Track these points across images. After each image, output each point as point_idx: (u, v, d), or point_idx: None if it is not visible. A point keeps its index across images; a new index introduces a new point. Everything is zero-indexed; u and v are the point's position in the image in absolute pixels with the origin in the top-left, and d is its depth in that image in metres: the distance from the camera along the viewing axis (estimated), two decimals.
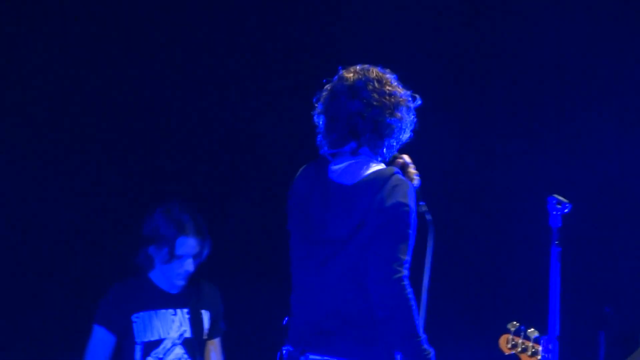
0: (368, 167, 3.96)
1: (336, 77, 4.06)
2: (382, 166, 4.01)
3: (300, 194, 4.04)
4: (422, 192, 4.13)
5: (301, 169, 4.12)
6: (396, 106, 3.99)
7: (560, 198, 4.30)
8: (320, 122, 4.05)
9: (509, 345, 5.30)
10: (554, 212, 4.26)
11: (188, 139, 7.30)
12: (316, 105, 4.08)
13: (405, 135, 4.07)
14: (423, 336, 3.85)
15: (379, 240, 3.84)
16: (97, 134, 7.16)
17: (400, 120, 3.99)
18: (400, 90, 4.03)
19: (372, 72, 4.01)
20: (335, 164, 4.02)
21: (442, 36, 7.18)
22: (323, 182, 3.99)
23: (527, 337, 5.28)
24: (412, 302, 3.82)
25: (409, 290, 3.82)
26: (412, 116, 4.07)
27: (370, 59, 4.17)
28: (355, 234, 3.88)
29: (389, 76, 4.04)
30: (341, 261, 3.90)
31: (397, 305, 3.80)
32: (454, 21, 7.20)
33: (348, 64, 4.14)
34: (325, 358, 3.87)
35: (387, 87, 3.98)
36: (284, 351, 3.98)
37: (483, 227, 7.13)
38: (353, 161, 4.01)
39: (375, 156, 4.03)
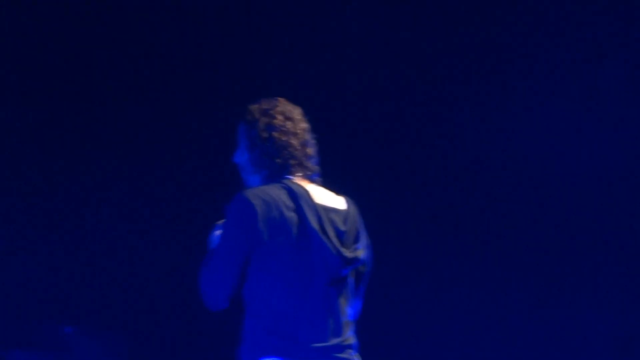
0: (331, 193, 4.26)
1: (277, 106, 4.30)
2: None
3: (285, 215, 4.07)
4: None
5: (262, 192, 4.10)
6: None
7: None
8: (273, 149, 4.24)
9: None
10: None
11: None
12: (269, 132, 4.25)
13: None
14: None
15: (370, 265, 4.27)
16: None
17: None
18: None
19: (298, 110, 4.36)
20: (307, 188, 4.18)
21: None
22: (312, 203, 4.12)
23: None
24: None
25: None
26: None
27: None
28: (364, 256, 4.19)
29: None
30: (350, 282, 4.17)
31: None
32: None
33: None
34: None
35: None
36: None
37: None
38: (316, 184, 4.25)
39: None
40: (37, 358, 7.26)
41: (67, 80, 7.54)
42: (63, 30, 7.44)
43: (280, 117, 4.27)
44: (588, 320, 7.31)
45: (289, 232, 4.05)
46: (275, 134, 4.24)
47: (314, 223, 4.07)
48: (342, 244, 4.11)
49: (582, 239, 7.40)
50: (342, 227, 4.14)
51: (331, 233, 4.09)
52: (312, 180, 4.26)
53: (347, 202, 4.26)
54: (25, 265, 7.61)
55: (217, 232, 4.15)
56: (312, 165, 4.28)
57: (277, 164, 4.21)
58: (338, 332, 4.07)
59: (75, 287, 7.58)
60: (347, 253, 4.10)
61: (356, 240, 4.17)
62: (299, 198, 4.10)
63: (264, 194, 4.09)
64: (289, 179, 4.19)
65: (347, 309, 4.14)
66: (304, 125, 4.31)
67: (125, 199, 7.57)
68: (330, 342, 4.04)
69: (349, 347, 4.10)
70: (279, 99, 4.34)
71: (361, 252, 4.16)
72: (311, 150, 4.29)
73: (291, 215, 4.07)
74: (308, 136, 4.30)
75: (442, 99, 7.55)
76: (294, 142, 4.24)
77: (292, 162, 4.22)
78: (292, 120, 4.27)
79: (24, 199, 7.59)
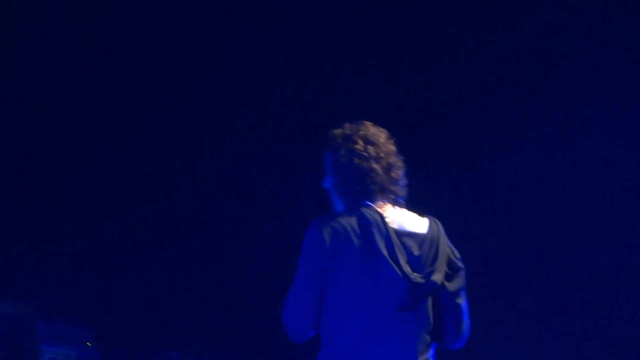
0: (415, 215, 4.20)
1: (355, 130, 4.26)
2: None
3: (352, 242, 4.05)
4: None
5: (332, 220, 4.10)
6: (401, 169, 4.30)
7: None
8: (353, 174, 4.21)
9: None
10: None
11: None
12: (346, 156, 4.22)
13: None
14: None
15: (463, 289, 4.15)
16: None
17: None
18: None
19: (383, 134, 4.29)
20: (386, 213, 4.13)
21: None
22: (386, 227, 4.08)
23: None
24: None
25: None
26: None
27: None
28: (446, 280, 4.10)
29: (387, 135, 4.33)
30: (426, 306, 4.07)
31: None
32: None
33: None
34: None
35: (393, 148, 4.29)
36: None
37: None
38: (399, 209, 4.19)
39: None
40: None
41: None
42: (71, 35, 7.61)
43: (361, 143, 4.24)
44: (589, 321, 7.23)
45: (356, 259, 4.03)
46: (355, 160, 4.21)
47: (383, 249, 4.03)
48: (414, 269, 4.04)
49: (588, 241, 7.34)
50: (416, 252, 4.08)
51: (402, 259, 4.03)
52: (395, 204, 4.20)
53: (430, 225, 4.18)
54: (132, 292, 7.73)
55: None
56: (397, 188, 4.22)
57: (357, 189, 4.18)
58: (411, 358, 4.02)
59: (181, 313, 7.66)
60: (419, 278, 4.03)
61: (433, 264, 4.08)
62: (370, 225, 4.06)
63: (335, 222, 4.08)
64: (368, 205, 4.14)
65: (424, 334, 4.06)
66: (389, 148, 4.26)
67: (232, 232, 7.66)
68: None
69: None
70: (364, 122, 4.30)
71: (438, 276, 4.06)
72: (396, 174, 4.23)
73: (360, 243, 4.04)
74: (393, 159, 4.24)
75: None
76: (376, 167, 4.20)
77: (373, 187, 4.18)
78: (375, 145, 4.24)
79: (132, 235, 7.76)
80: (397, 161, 4.25)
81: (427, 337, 4.09)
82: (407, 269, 4.03)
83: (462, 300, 4.15)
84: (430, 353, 4.09)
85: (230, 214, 7.69)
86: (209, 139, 7.80)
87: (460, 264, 4.16)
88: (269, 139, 7.65)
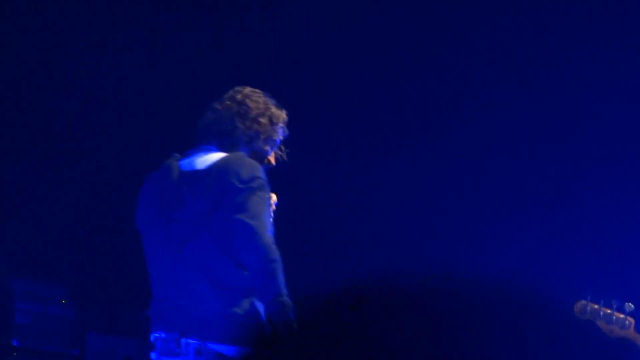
0: (218, 154, 4.25)
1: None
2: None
3: (154, 187, 4.26)
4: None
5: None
6: (248, 117, 4.32)
7: None
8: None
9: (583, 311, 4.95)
10: None
11: None
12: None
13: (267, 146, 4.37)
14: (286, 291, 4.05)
15: (245, 211, 4.05)
16: None
17: (258, 130, 4.32)
18: (261, 104, 4.36)
19: (238, 91, 4.41)
20: (185, 159, 4.28)
21: None
22: (175, 172, 4.22)
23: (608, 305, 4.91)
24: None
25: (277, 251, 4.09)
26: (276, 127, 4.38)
27: None
28: (217, 208, 4.09)
29: (255, 93, 4.40)
30: (204, 239, 4.09)
31: (275, 266, 4.01)
32: None
33: None
34: (204, 343, 4.05)
35: (247, 100, 4.33)
36: (157, 336, 4.17)
37: None
38: (202, 152, 4.27)
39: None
40: (115, 342, 7.38)
41: None
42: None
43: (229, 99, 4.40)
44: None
45: (147, 207, 4.25)
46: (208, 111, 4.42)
47: (160, 195, 4.21)
48: (179, 209, 4.15)
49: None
50: (187, 191, 4.16)
51: (169, 203, 4.16)
52: (223, 148, 4.25)
53: (219, 159, 4.20)
54: (107, 250, 7.75)
55: None
56: (233, 132, 4.29)
57: (198, 135, 4.37)
58: (199, 304, 4.06)
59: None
60: (176, 214, 4.14)
61: (196, 202, 4.13)
62: (165, 171, 4.26)
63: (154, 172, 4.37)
64: (186, 152, 4.31)
65: (214, 275, 4.06)
66: (229, 98, 4.35)
67: None
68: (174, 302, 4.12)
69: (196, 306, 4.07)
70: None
71: (203, 211, 4.09)
72: (238, 120, 4.30)
73: (151, 190, 4.27)
74: (241, 109, 4.31)
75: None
76: (208, 113, 4.37)
77: (198, 132, 4.35)
78: (229, 97, 4.38)
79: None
80: (250, 110, 4.32)
81: (224, 281, 4.06)
82: (167, 213, 4.15)
83: (244, 219, 4.04)
84: (240, 306, 4.06)
85: None
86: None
87: (242, 186, 4.10)
88: None
